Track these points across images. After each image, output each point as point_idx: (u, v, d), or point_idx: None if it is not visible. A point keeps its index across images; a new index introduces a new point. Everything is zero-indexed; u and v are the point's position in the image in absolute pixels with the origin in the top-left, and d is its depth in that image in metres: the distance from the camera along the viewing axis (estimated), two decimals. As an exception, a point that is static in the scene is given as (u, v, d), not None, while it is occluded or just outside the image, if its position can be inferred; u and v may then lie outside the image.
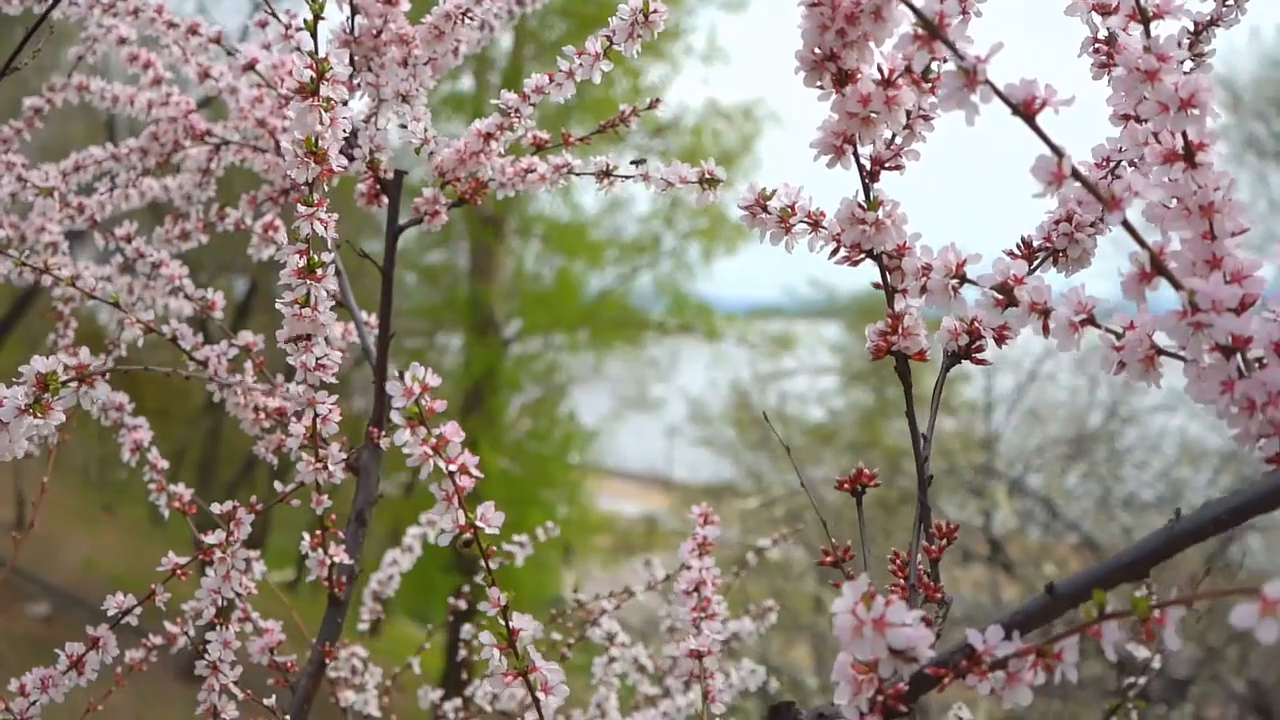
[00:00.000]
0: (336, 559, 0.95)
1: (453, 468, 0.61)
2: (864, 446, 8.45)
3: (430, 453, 0.60)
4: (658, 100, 0.98)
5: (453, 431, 0.61)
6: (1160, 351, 0.53)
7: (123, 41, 1.18)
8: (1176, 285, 0.50)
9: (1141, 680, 1.06)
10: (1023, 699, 0.50)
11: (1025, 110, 0.50)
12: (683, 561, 0.92)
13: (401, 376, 0.59)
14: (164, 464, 1.08)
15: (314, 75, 0.67)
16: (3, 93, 1.15)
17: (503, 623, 0.63)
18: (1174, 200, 0.54)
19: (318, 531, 0.94)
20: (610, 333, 12.25)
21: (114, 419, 1.11)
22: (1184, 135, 0.52)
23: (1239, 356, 0.50)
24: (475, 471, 0.61)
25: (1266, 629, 0.39)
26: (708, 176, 0.82)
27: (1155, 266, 0.51)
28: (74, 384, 0.64)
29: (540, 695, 0.62)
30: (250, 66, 1.04)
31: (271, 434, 1.02)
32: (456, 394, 11.21)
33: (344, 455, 0.89)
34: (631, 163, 0.90)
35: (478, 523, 0.61)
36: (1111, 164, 0.67)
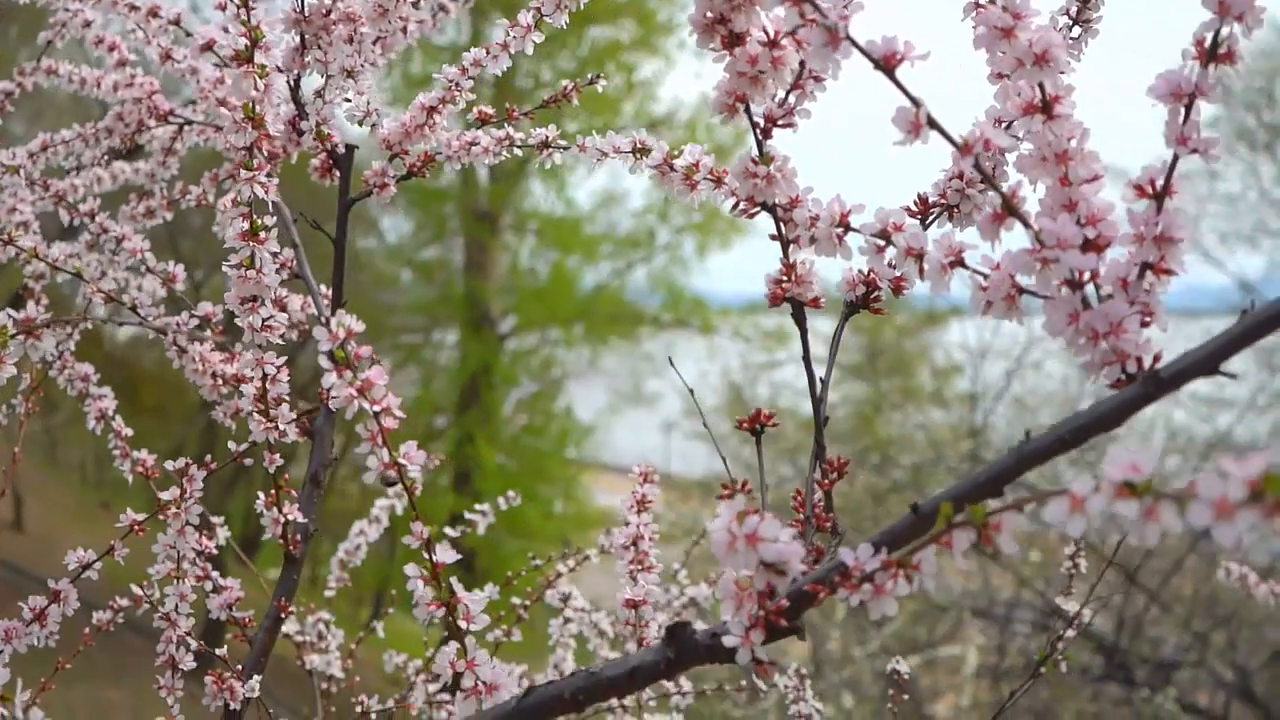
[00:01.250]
0: (291, 518, 0.99)
1: (378, 408, 0.65)
2: (857, 438, 8.49)
3: (355, 394, 0.64)
4: (599, 76, 1.02)
5: (377, 375, 0.65)
6: (1021, 290, 0.57)
7: (88, 25, 1.22)
8: (1026, 224, 0.54)
9: (1070, 633, 1.10)
10: (889, 609, 0.54)
11: (886, 64, 0.54)
12: (623, 518, 0.97)
13: (328, 324, 0.63)
14: (128, 431, 1.11)
15: (248, 43, 0.71)
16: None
17: (426, 555, 0.67)
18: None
19: (272, 491, 0.98)
20: (605, 328, 12.29)
21: (80, 389, 1.15)
22: (1041, 88, 0.57)
23: (1086, 291, 0.54)
24: (398, 413, 0.66)
25: (1075, 524, 0.43)
26: (639, 146, 0.86)
27: (1007, 208, 0.55)
28: (20, 336, 0.68)
29: (462, 624, 0.67)
30: (208, 47, 1.07)
31: (229, 400, 1.06)
32: (452, 389, 11.26)
33: (294, 415, 0.93)
34: (563, 138, 0.94)
35: (400, 460, 0.65)
36: (1004, 124, 0.71)
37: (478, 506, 1.40)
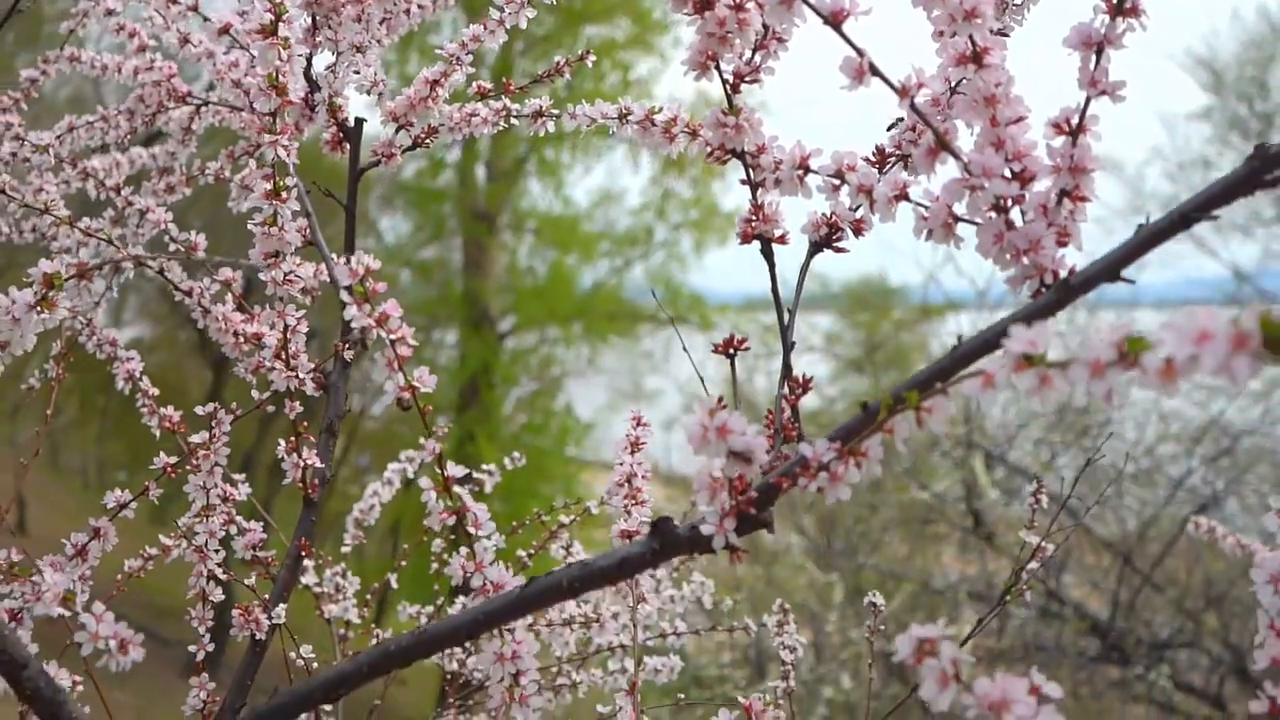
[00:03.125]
0: (310, 463, 1.07)
1: (393, 337, 0.73)
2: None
3: (374, 324, 0.73)
4: (588, 53, 1.10)
5: (392, 308, 0.74)
6: (956, 218, 0.65)
7: (110, 13, 1.30)
8: (956, 156, 0.62)
9: (1034, 565, 1.18)
10: (843, 494, 0.62)
11: (834, 20, 0.62)
12: (616, 460, 1.05)
13: (348, 261, 0.71)
14: (155, 391, 1.20)
15: (273, 17, 0.79)
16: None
17: (438, 470, 0.75)
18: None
19: (292, 438, 1.06)
20: (604, 325, 12.37)
21: (109, 352, 1.23)
22: (971, 40, 0.65)
23: (1011, 215, 0.63)
24: (411, 341, 0.74)
25: (988, 399, 0.51)
26: (624, 111, 0.94)
27: (940, 143, 0.63)
28: (74, 280, 0.76)
29: (471, 530, 0.75)
30: (225, 30, 1.16)
31: (250, 356, 1.14)
32: (452, 389, 11.33)
33: (312, 366, 1.01)
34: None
35: (415, 383, 0.74)
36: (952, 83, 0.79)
37: (484, 466, 1.48)
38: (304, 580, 1.39)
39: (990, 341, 0.61)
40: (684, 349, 1.02)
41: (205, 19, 1.19)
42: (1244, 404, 7.82)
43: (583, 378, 12.57)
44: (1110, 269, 0.58)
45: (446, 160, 11.51)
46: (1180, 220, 0.57)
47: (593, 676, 1.35)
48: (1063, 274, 0.61)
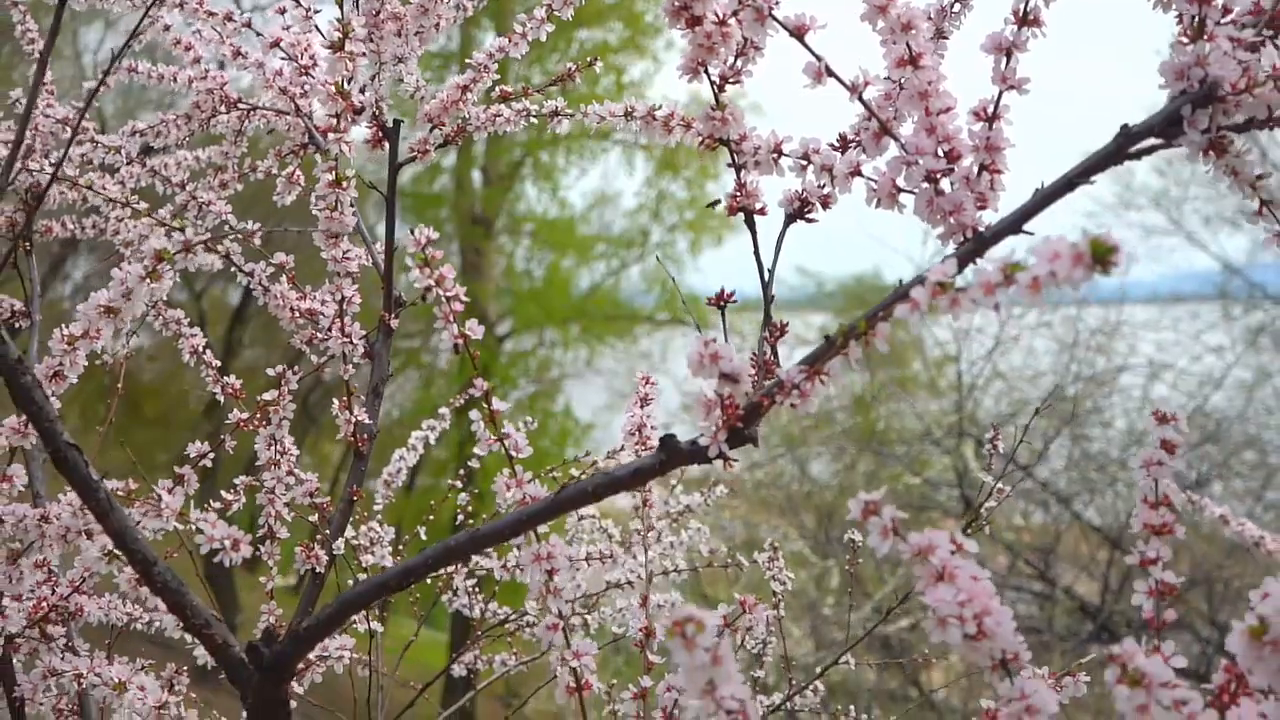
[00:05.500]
0: (359, 419, 1.24)
1: (449, 294, 0.90)
2: (856, 429, 8.70)
3: (434, 284, 0.89)
4: (595, 59, 1.27)
5: (448, 271, 0.90)
6: (899, 189, 0.82)
7: (167, 28, 1.46)
8: (896, 139, 0.79)
9: (993, 504, 1.34)
10: (811, 408, 0.78)
11: (798, 33, 0.79)
12: (627, 411, 1.21)
13: (412, 231, 0.88)
14: (218, 362, 1.36)
15: (341, 35, 0.96)
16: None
17: (485, 405, 0.91)
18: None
19: (344, 398, 1.23)
20: (602, 327, 12.53)
21: (175, 330, 1.39)
22: (908, 47, 0.81)
23: (941, 185, 0.79)
24: (463, 298, 0.90)
25: (915, 320, 0.68)
26: (629, 109, 1.11)
27: (883, 130, 0.80)
28: (181, 254, 0.92)
29: (513, 453, 0.91)
30: (275, 44, 1.32)
31: (303, 330, 1.31)
32: (452, 392, 11.49)
33: (364, 333, 1.18)
34: (563, 109, 1.19)
35: (466, 331, 0.90)
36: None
37: (524, 419, 1.65)
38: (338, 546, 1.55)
39: (921, 279, 0.77)
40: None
41: (258, 34, 1.35)
42: (1231, 394, 8.00)
43: (581, 379, 12.73)
44: (1013, 225, 0.75)
45: (442, 165, 11.68)
46: (1066, 184, 0.74)
47: (602, 616, 1.52)
48: (981, 230, 0.78)
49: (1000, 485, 1.35)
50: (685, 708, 0.85)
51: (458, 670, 1.69)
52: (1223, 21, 0.74)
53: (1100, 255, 0.56)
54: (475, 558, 1.68)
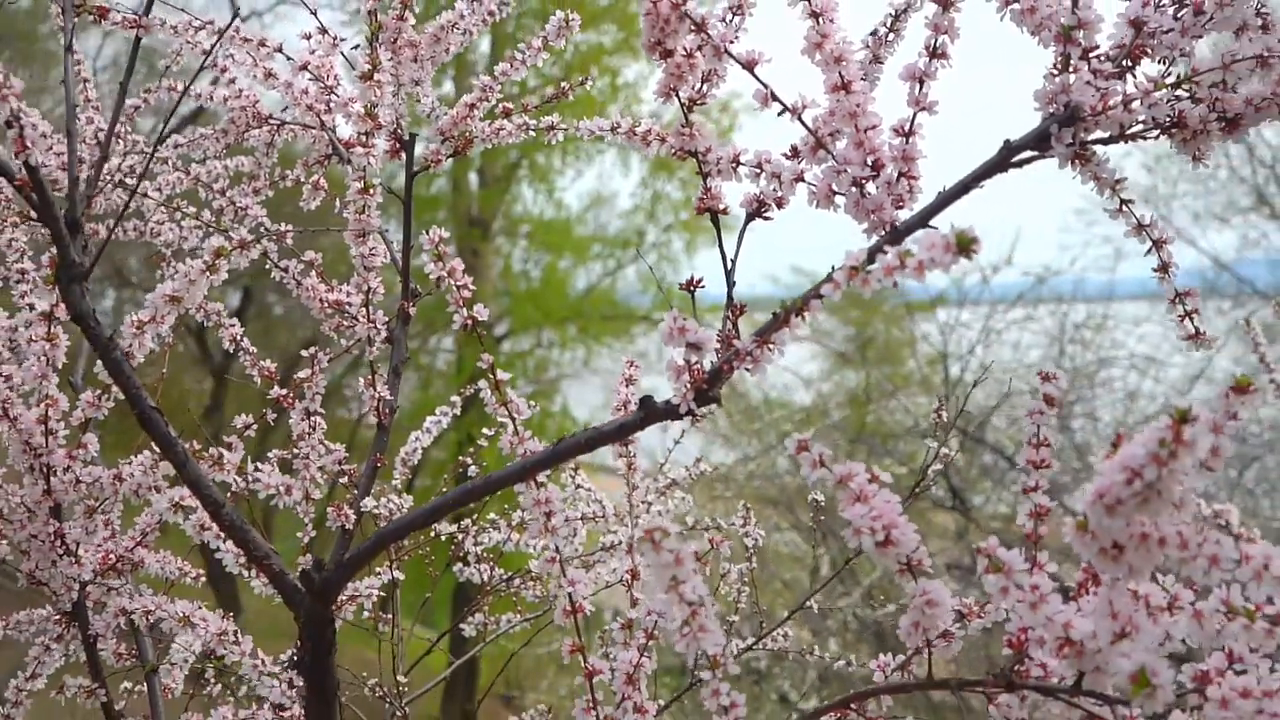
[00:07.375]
0: (382, 394, 1.42)
1: (459, 283, 1.08)
2: (851, 427, 8.88)
3: (446, 275, 1.07)
4: (587, 79, 1.45)
5: (459, 264, 1.08)
6: (834, 192, 1.00)
7: (207, 53, 1.64)
8: (829, 152, 0.97)
9: (937, 466, 1.51)
10: (763, 373, 0.96)
11: (748, 65, 0.97)
12: (615, 392, 1.39)
13: (427, 230, 1.06)
14: (253, 349, 1.54)
15: (371, 66, 1.14)
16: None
17: (491, 375, 1.09)
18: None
19: (368, 375, 1.41)
20: (598, 327, 12.69)
21: (214, 320, 1.57)
22: (840, 75, 0.99)
23: (867, 189, 0.97)
24: (471, 286, 1.08)
25: (862, 287, 0.86)
26: (615, 124, 1.29)
27: (818, 143, 0.98)
28: (236, 250, 1.10)
29: (514, 416, 1.09)
30: (304, 66, 1.50)
31: (331, 318, 1.48)
32: (450, 393, 11.67)
33: (386, 319, 1.36)
34: (566, 124, 1.37)
35: (474, 315, 1.08)
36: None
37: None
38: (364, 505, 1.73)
39: (874, 251, 0.95)
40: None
41: (288, 58, 1.53)
42: (1218, 387, 8.18)
43: (578, 379, 12.89)
44: (920, 220, 0.93)
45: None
46: (962, 188, 0.92)
47: (595, 575, 1.70)
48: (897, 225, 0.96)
49: (946, 450, 1.53)
50: (663, 617, 1.03)
51: (467, 629, 1.87)
52: (1092, 53, 0.92)
53: (963, 245, 0.74)
54: (481, 542, 1.87)
